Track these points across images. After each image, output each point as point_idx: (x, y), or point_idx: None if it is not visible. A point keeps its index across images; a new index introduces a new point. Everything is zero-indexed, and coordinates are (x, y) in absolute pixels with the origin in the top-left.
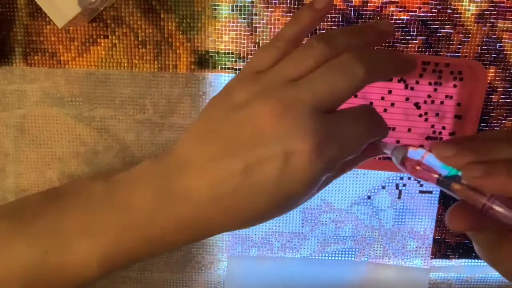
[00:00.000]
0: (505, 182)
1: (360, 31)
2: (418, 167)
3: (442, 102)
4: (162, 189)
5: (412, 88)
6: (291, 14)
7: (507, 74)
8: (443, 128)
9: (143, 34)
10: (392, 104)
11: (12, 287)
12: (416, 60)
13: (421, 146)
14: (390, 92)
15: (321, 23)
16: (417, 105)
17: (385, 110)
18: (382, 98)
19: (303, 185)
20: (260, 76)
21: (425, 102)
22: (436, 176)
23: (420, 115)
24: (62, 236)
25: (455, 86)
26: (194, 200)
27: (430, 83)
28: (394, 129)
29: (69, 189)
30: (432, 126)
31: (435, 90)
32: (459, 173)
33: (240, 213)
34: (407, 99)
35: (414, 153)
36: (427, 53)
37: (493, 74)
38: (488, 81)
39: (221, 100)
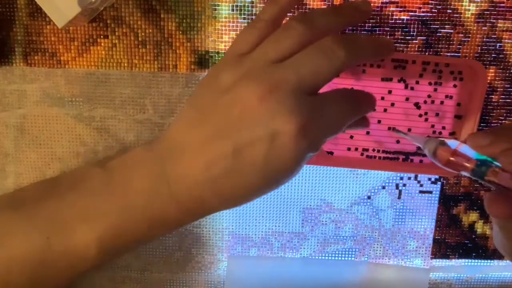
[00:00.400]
0: None
1: (338, 11)
2: (452, 158)
3: (442, 102)
4: (158, 173)
5: (412, 88)
6: (291, 14)
7: (507, 74)
8: (443, 128)
9: (143, 34)
10: (392, 104)
11: (15, 274)
12: (393, 44)
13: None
14: (390, 92)
15: None
16: (417, 105)
17: (385, 110)
18: (382, 98)
19: (289, 164)
20: (244, 58)
21: (425, 102)
22: (470, 165)
23: (420, 115)
24: (62, 222)
25: (455, 86)
26: (189, 183)
27: (430, 83)
28: (394, 129)
29: (67, 177)
30: (432, 126)
31: (435, 90)
32: (494, 162)
33: (233, 192)
34: (407, 99)
35: (449, 144)
36: (427, 53)
37: (493, 74)
38: (488, 81)
39: (208, 84)
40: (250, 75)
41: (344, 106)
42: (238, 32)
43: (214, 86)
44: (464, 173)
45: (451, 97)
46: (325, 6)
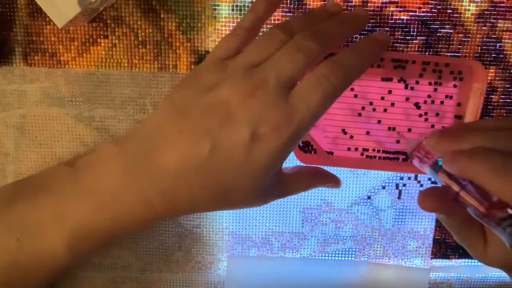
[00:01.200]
0: (464, 165)
1: (312, 15)
2: (422, 158)
3: (442, 102)
4: (126, 168)
5: (412, 88)
6: (291, 14)
7: (507, 74)
8: (443, 128)
9: (143, 34)
10: (392, 104)
11: None
12: (367, 13)
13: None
14: (390, 92)
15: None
16: (417, 105)
17: (385, 110)
18: (382, 98)
19: (268, 162)
20: (226, 62)
21: (425, 102)
22: (430, 164)
23: (420, 115)
24: (33, 223)
25: (455, 86)
26: (159, 176)
27: (430, 83)
28: (394, 129)
29: (37, 177)
30: (432, 126)
31: (435, 90)
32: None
33: (204, 193)
34: (407, 99)
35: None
36: (427, 53)
37: (493, 74)
38: (488, 81)
39: (189, 83)
40: (233, 76)
41: (319, 91)
42: None
43: (196, 85)
44: (428, 174)
45: (451, 97)
46: (300, 14)
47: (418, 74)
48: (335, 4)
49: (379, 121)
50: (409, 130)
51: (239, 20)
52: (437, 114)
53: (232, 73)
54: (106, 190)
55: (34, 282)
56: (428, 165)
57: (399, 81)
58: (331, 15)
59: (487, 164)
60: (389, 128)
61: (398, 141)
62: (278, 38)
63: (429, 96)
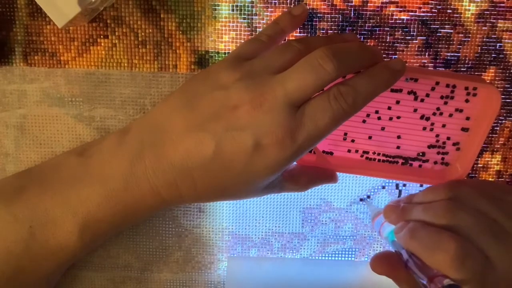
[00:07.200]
0: (406, 240)
1: (331, 39)
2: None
3: (451, 115)
4: (135, 156)
5: (422, 100)
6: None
7: (507, 74)
8: (448, 138)
9: (143, 34)
10: (398, 116)
11: (0, 264)
12: (380, 53)
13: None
14: (398, 102)
15: (322, 23)
16: (424, 117)
17: (390, 119)
18: (389, 108)
19: (268, 172)
20: (243, 63)
21: (433, 114)
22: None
23: (425, 128)
24: (44, 210)
25: (467, 101)
26: (164, 166)
27: (441, 97)
28: (399, 137)
29: (45, 166)
30: (437, 135)
31: (446, 103)
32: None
33: (206, 187)
34: (415, 110)
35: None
36: (427, 54)
37: (493, 74)
38: (488, 81)
39: (205, 77)
40: (246, 79)
41: (325, 115)
42: (238, 32)
43: (210, 81)
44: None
45: (461, 111)
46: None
47: (431, 88)
48: (354, 35)
49: (382, 128)
50: (413, 138)
51: (239, 20)
52: (443, 126)
53: (246, 74)
54: (117, 178)
55: (45, 270)
56: (385, 232)
57: (409, 93)
58: (350, 42)
59: (421, 239)
60: (394, 136)
61: (398, 147)
62: (296, 48)
63: (438, 109)
